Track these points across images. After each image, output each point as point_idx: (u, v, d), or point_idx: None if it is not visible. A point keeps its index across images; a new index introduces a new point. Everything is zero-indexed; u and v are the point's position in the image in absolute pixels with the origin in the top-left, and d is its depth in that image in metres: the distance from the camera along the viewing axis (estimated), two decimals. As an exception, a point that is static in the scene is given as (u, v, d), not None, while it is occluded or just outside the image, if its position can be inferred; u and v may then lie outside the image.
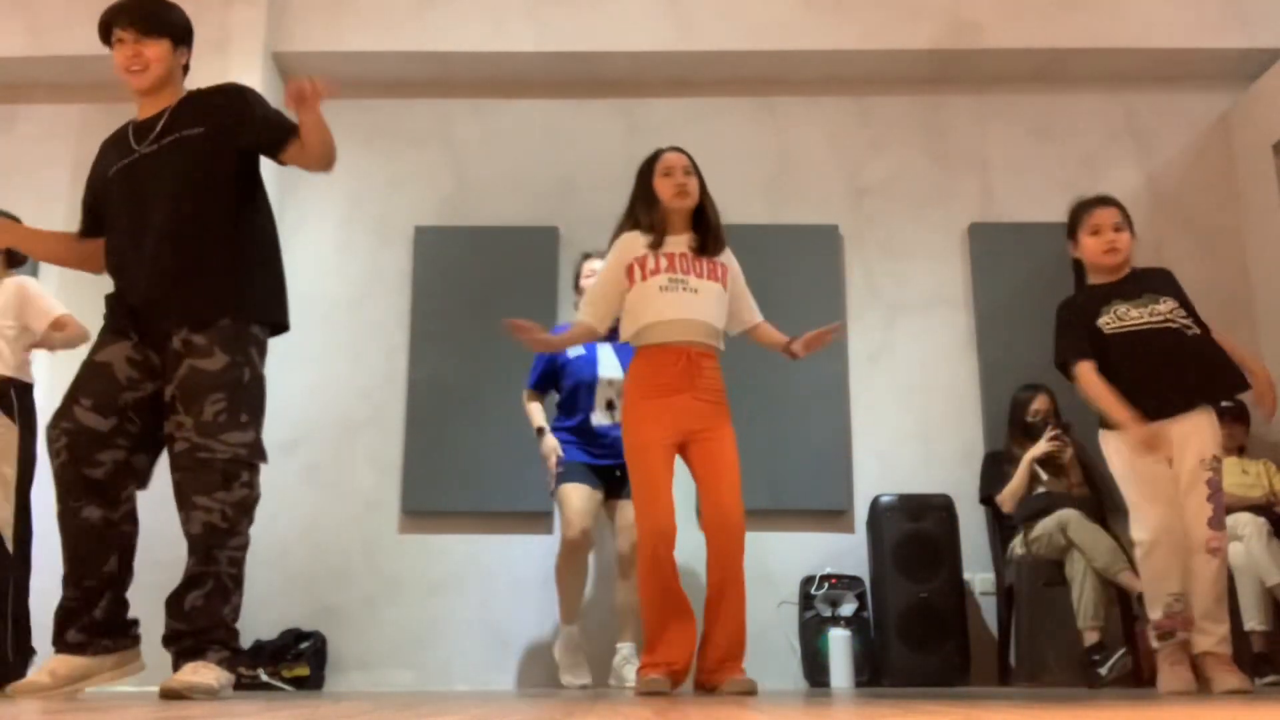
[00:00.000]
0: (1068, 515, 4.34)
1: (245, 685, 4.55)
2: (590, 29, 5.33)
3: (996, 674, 4.65)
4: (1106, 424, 3.50)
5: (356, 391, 5.22)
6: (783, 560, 4.96)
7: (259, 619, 4.90)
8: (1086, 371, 3.45)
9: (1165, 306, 3.45)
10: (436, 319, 5.21)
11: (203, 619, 2.75)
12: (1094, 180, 5.42)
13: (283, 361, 5.25)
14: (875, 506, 4.79)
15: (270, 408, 5.15)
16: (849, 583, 4.76)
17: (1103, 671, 4.12)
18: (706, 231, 3.49)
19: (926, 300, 5.32)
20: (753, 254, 5.26)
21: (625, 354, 4.24)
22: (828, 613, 4.70)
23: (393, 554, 5.03)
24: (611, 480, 4.33)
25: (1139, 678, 4.38)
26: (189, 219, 2.83)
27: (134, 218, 2.86)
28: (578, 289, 4.52)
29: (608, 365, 4.38)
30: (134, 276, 2.85)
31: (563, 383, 4.42)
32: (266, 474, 5.07)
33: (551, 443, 4.30)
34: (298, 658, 4.68)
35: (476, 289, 5.25)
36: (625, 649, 4.24)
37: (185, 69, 3.02)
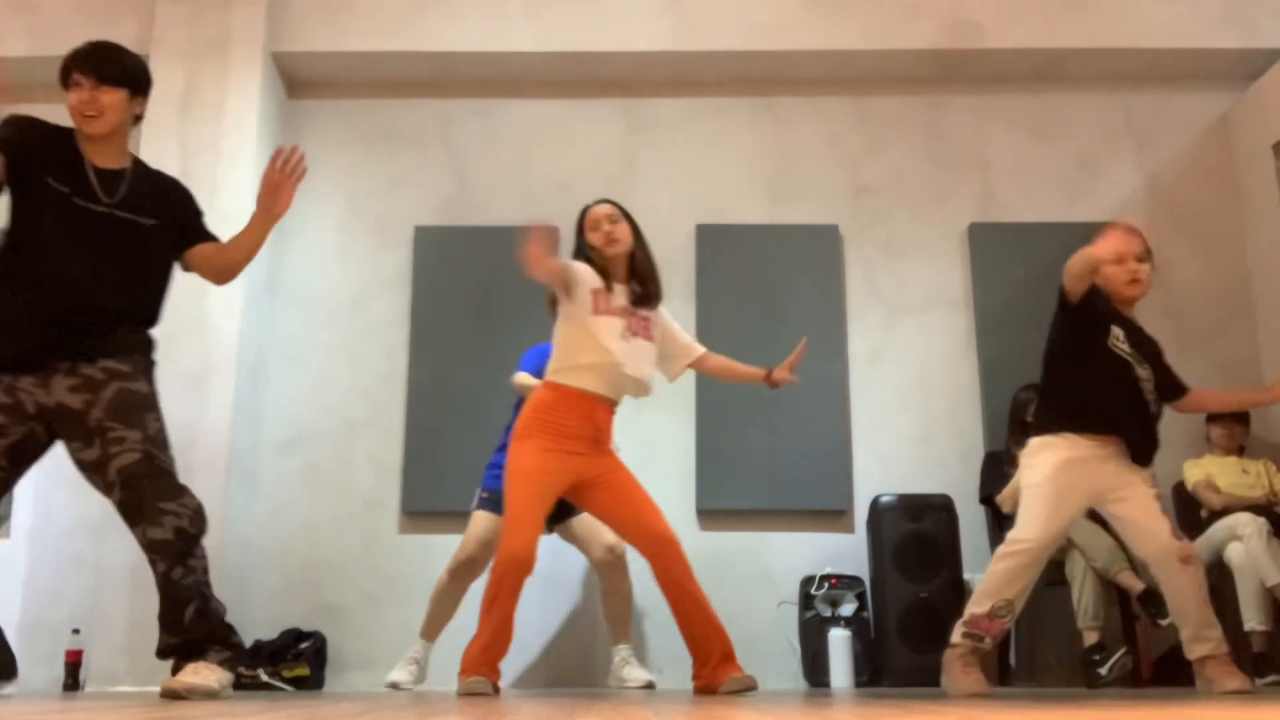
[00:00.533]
0: (1068, 515, 4.34)
1: (245, 685, 4.55)
2: (590, 29, 5.33)
3: (996, 674, 4.65)
4: (1052, 427, 3.38)
5: (356, 391, 5.22)
6: (783, 560, 4.96)
7: (259, 619, 4.90)
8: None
9: (1145, 373, 3.40)
10: (436, 319, 5.21)
11: (201, 629, 2.76)
12: (1094, 180, 5.43)
13: (283, 361, 5.25)
14: (875, 506, 4.79)
15: (270, 408, 5.19)
16: (849, 583, 4.77)
17: (1103, 671, 4.12)
18: (644, 281, 3.46)
19: (926, 300, 5.32)
20: (753, 254, 5.30)
21: None
22: (828, 613, 4.70)
23: (393, 554, 5.03)
24: (560, 506, 4.27)
25: (1139, 678, 4.39)
26: (137, 286, 3.01)
27: (89, 254, 2.90)
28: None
29: None
30: (73, 292, 2.86)
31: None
32: (266, 473, 5.11)
33: None
34: (298, 658, 4.68)
35: (476, 289, 5.25)
36: (623, 650, 4.27)
37: (138, 118, 3.06)
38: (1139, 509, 3.30)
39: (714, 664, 3.32)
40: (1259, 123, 5.22)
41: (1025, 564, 3.28)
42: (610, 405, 3.38)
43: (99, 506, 4.86)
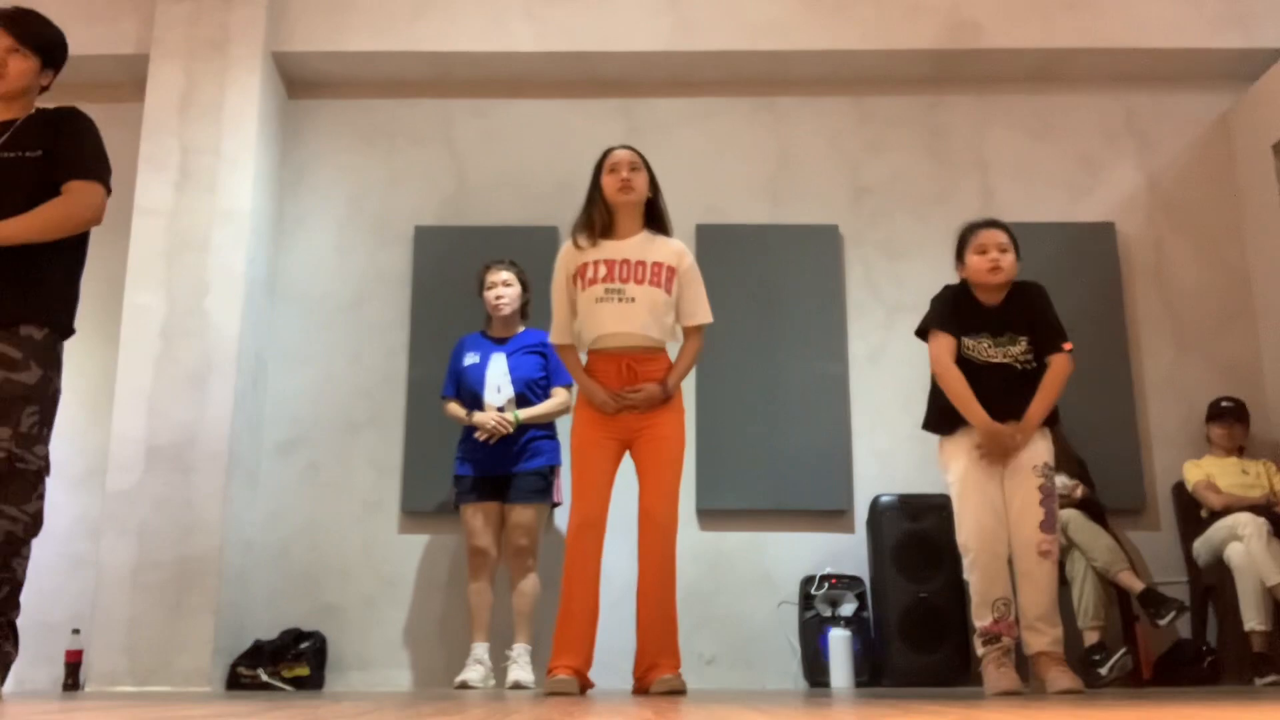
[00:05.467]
0: (1068, 515, 4.34)
1: (245, 685, 4.56)
2: (590, 29, 5.33)
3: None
4: (942, 429, 3.67)
5: (356, 391, 5.22)
6: (783, 560, 4.96)
7: (259, 619, 4.91)
8: (944, 352, 3.63)
9: (1019, 348, 3.61)
10: (436, 319, 5.20)
11: None
12: (1094, 180, 5.42)
13: (283, 361, 5.25)
14: (875, 506, 4.79)
15: (270, 408, 5.19)
16: (849, 583, 4.76)
17: (1103, 671, 4.12)
18: (654, 226, 3.59)
19: (926, 300, 5.29)
20: (753, 254, 5.30)
21: (519, 363, 4.44)
22: (828, 613, 4.70)
23: (393, 554, 5.03)
24: (503, 487, 4.43)
25: (1139, 678, 4.38)
26: None
27: None
28: (480, 295, 4.63)
29: (496, 373, 4.45)
30: None
31: (462, 390, 4.51)
32: (267, 474, 5.11)
33: (481, 417, 4.36)
34: (298, 658, 4.68)
35: (476, 289, 5.24)
36: (517, 648, 4.37)
37: (45, 89, 3.03)
38: (1017, 497, 3.51)
39: (647, 663, 3.35)
40: (1259, 123, 5.22)
41: (985, 564, 3.48)
42: (637, 357, 3.44)
43: (99, 507, 4.86)
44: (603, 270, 3.47)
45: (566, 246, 3.59)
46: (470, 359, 4.51)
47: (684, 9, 5.34)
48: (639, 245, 3.54)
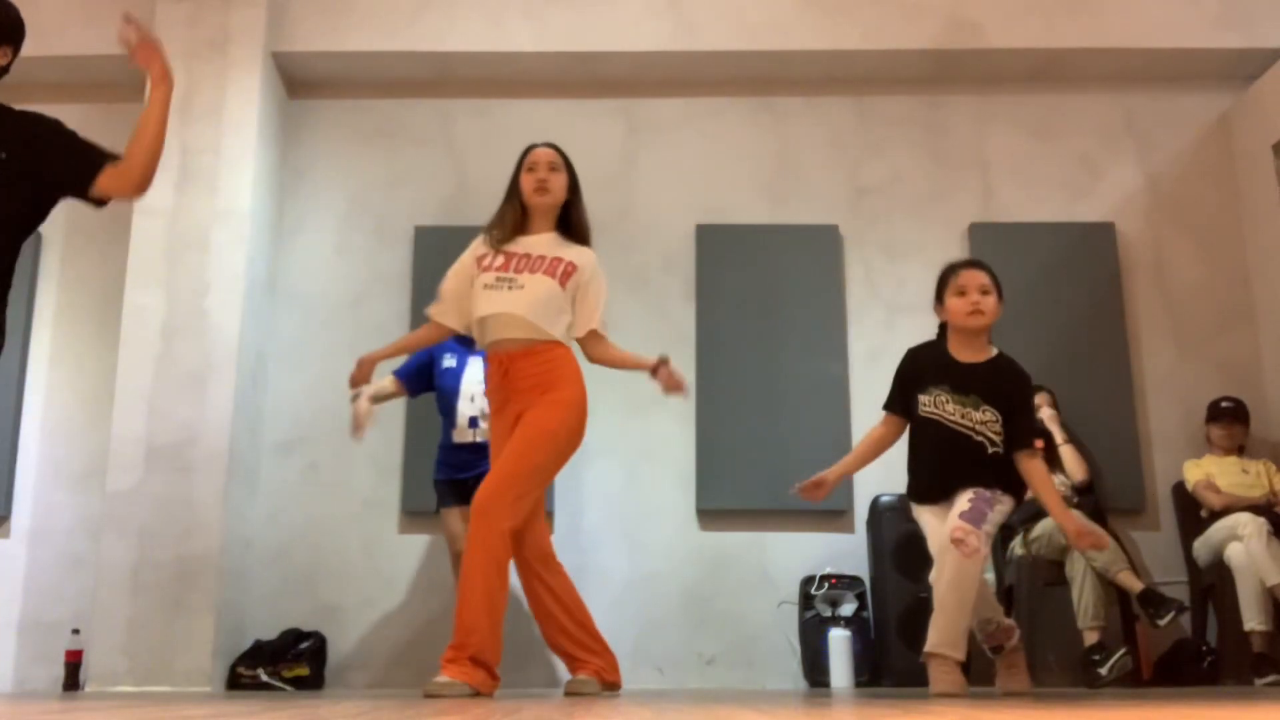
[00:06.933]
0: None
1: (245, 685, 4.56)
2: (590, 29, 5.33)
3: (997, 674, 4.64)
4: (911, 496, 3.54)
5: (356, 391, 5.21)
6: (783, 560, 4.96)
7: (259, 619, 4.90)
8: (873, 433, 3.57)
9: (982, 415, 3.37)
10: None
11: None
12: (1094, 180, 5.42)
13: (283, 362, 5.25)
14: (875, 506, 4.79)
15: (270, 408, 5.19)
16: (849, 583, 4.76)
17: (1103, 671, 4.12)
18: (567, 230, 3.42)
19: (926, 300, 5.27)
20: (753, 254, 5.30)
21: None
22: (828, 613, 4.70)
23: (393, 554, 5.03)
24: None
25: (1139, 678, 4.38)
26: None
27: None
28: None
29: (471, 380, 4.36)
30: None
31: (439, 392, 4.44)
32: (267, 474, 5.11)
33: (361, 406, 4.12)
34: (298, 658, 4.68)
35: (476, 289, 5.25)
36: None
37: (5, 70, 2.88)
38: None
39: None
40: (1259, 123, 5.22)
41: (962, 605, 3.32)
42: (513, 352, 3.26)
43: (99, 506, 4.86)
44: (500, 260, 3.35)
45: (478, 240, 3.48)
46: (448, 361, 4.43)
47: (684, 9, 5.34)
48: (544, 244, 3.39)
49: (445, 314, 3.46)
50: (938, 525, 3.38)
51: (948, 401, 3.40)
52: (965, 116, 5.51)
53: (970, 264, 3.55)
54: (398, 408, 5.16)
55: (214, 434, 4.72)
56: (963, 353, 3.47)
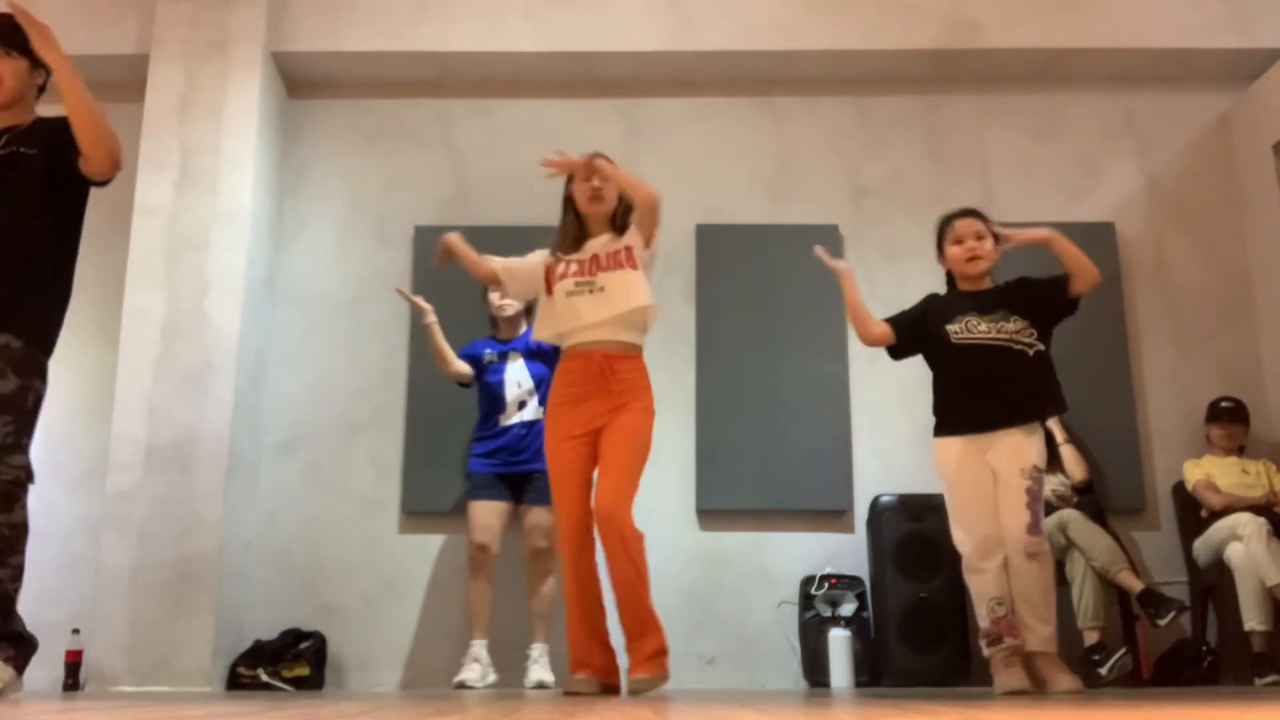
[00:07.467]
0: (1068, 515, 4.35)
1: (245, 685, 4.56)
2: (590, 29, 5.33)
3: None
4: (936, 429, 3.68)
5: (356, 391, 5.21)
6: (783, 560, 4.96)
7: (259, 619, 4.90)
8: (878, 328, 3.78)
9: (1014, 325, 3.59)
10: (436, 319, 5.19)
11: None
12: (1094, 180, 5.42)
13: (283, 361, 5.25)
14: (875, 506, 4.79)
15: (270, 408, 5.19)
16: (849, 583, 4.76)
17: (1103, 671, 4.12)
18: (620, 228, 3.61)
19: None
20: (753, 254, 5.30)
21: (534, 367, 4.55)
22: (828, 613, 4.70)
23: (393, 554, 5.03)
24: (519, 488, 4.51)
25: (1139, 678, 4.38)
26: (10, 236, 2.85)
27: None
28: (484, 299, 4.77)
29: (514, 369, 4.58)
30: None
31: (479, 387, 4.63)
32: (266, 474, 5.11)
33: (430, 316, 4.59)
34: (298, 658, 4.68)
35: (476, 289, 5.23)
36: (535, 648, 4.41)
37: (42, 90, 3.06)
38: (1005, 501, 3.49)
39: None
40: (1259, 123, 5.22)
41: (979, 567, 3.50)
42: (611, 353, 3.45)
43: (99, 506, 4.86)
44: (574, 267, 3.55)
45: (543, 252, 3.69)
46: (489, 356, 4.63)
47: (684, 9, 5.34)
48: (605, 244, 3.59)
49: (507, 269, 3.69)
50: (963, 467, 3.55)
51: (980, 322, 3.60)
52: (965, 116, 5.51)
53: (964, 213, 3.78)
54: (398, 408, 5.16)
55: (214, 434, 4.72)
56: (974, 286, 3.71)
